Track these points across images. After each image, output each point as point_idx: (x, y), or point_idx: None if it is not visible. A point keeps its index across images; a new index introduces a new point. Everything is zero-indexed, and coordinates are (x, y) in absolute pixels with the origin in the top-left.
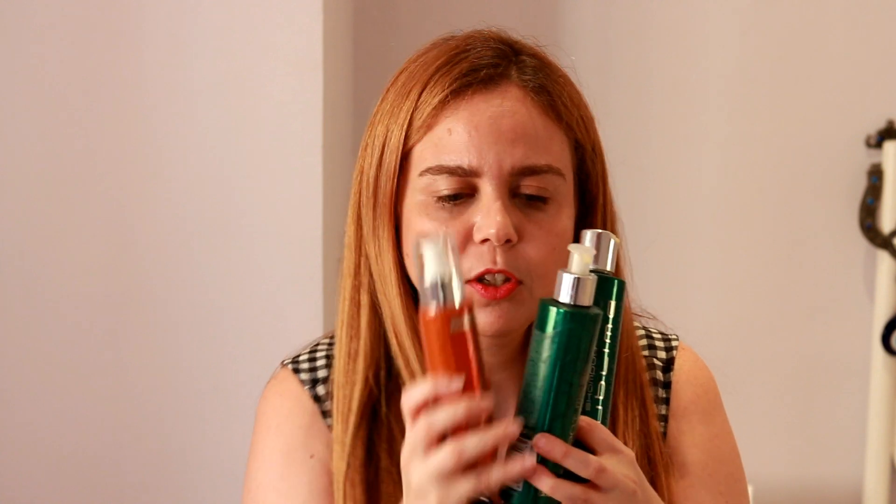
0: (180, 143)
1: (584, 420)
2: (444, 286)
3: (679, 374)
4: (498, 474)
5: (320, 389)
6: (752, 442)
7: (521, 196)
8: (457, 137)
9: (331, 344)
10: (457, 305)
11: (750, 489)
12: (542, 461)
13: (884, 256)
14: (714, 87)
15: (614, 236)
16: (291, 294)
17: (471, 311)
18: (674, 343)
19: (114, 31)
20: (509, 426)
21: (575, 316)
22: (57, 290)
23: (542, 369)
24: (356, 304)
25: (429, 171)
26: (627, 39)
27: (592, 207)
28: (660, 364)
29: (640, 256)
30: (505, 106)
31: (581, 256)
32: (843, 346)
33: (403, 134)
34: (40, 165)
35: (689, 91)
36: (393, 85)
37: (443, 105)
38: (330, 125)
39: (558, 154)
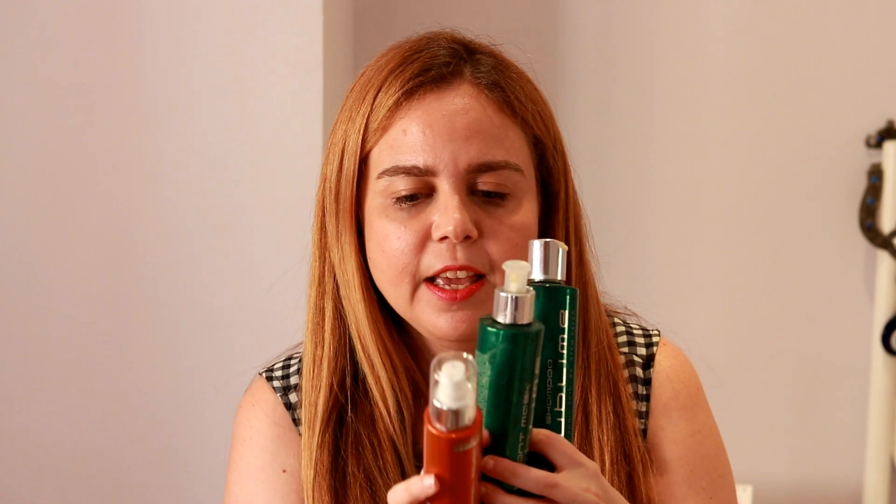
0: (180, 143)
1: (543, 434)
2: (459, 414)
3: (659, 369)
4: None
5: (293, 397)
6: (752, 442)
7: (479, 193)
8: (411, 137)
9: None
10: (468, 426)
11: (750, 489)
12: (497, 481)
13: (884, 256)
14: (714, 87)
15: (562, 244)
16: (291, 294)
17: (478, 430)
18: (654, 339)
19: (114, 31)
20: None
21: (511, 336)
22: (57, 289)
23: (485, 390)
24: (320, 311)
25: (386, 172)
26: (627, 39)
27: (555, 203)
28: (639, 360)
29: (639, 256)
30: (458, 103)
31: (516, 273)
32: (843, 346)
33: (360, 137)
34: (40, 165)
35: (688, 91)
36: (351, 91)
37: (397, 106)
38: (330, 125)
39: (515, 150)
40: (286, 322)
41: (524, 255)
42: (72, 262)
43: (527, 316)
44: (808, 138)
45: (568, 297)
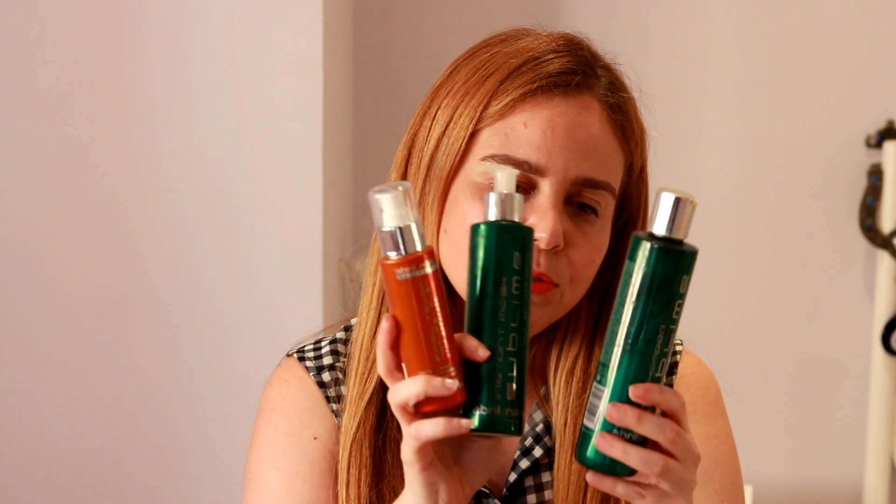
0: (180, 143)
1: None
2: (404, 233)
3: (681, 376)
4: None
5: (325, 376)
6: (752, 442)
7: (574, 204)
8: (531, 133)
9: (333, 340)
10: (419, 250)
11: (750, 489)
12: (607, 420)
13: (884, 256)
14: (714, 87)
15: (693, 199)
16: (291, 294)
17: (431, 256)
18: (678, 348)
19: (114, 31)
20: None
21: (495, 229)
22: (57, 289)
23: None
24: None
25: (494, 157)
26: (627, 39)
27: (626, 228)
28: None
29: None
30: (584, 116)
31: (505, 175)
32: (843, 346)
33: (477, 115)
34: (40, 165)
35: (688, 91)
36: (467, 63)
37: (524, 98)
38: (330, 125)
39: (615, 174)
40: (286, 322)
41: (596, 270)
42: (71, 261)
43: (510, 214)
44: (808, 138)
45: (692, 262)
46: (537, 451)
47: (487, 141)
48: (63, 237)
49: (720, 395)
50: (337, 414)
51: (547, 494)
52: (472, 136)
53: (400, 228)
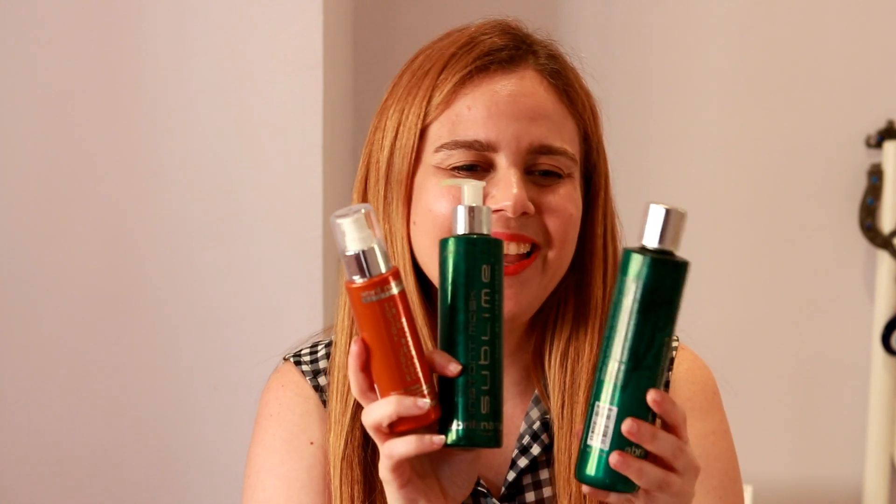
0: (180, 143)
1: (670, 399)
2: (367, 256)
3: (678, 372)
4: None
5: (321, 380)
6: (752, 442)
7: (536, 173)
8: (475, 113)
9: (329, 344)
10: (383, 272)
11: (750, 489)
12: (619, 439)
13: (884, 256)
14: (714, 86)
15: (683, 210)
16: (291, 294)
17: (397, 277)
18: (675, 345)
19: (114, 31)
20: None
21: (463, 242)
22: (57, 289)
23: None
24: None
25: (445, 146)
26: (627, 39)
27: (594, 201)
28: None
29: None
30: (524, 86)
31: (471, 189)
32: (843, 345)
33: (422, 112)
34: (40, 165)
35: (688, 91)
36: (407, 69)
37: (463, 82)
38: (330, 125)
39: (571, 140)
40: (286, 322)
41: (575, 234)
42: (71, 261)
43: (479, 227)
44: (808, 138)
45: (687, 272)
46: (535, 449)
47: (437, 133)
48: (63, 237)
49: (717, 392)
50: None
51: (545, 492)
52: (423, 132)
53: (363, 251)
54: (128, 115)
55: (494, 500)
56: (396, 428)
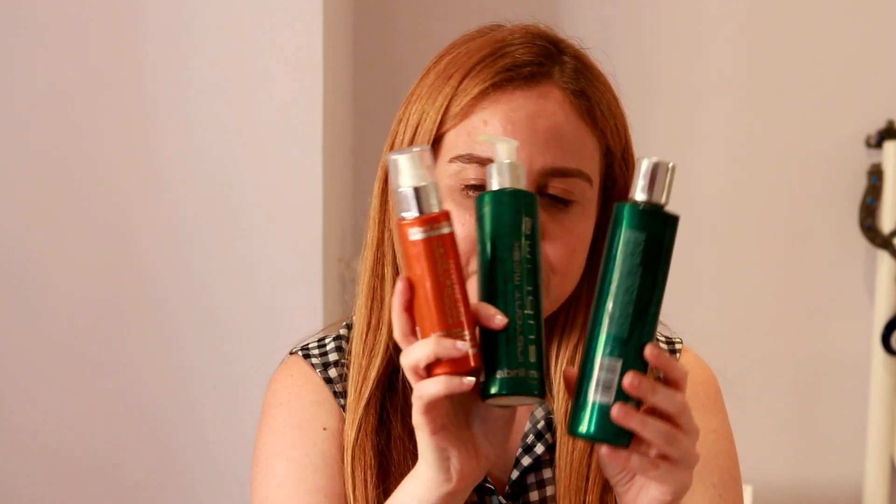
0: (180, 143)
1: (654, 347)
2: (420, 193)
3: None
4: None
5: (332, 372)
6: (752, 442)
7: (546, 196)
8: (491, 130)
9: (337, 337)
10: (435, 211)
11: (750, 489)
12: (621, 392)
13: (884, 256)
14: (714, 87)
15: (671, 163)
16: (291, 294)
17: (448, 218)
18: (677, 346)
19: (114, 30)
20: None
21: (495, 196)
22: (57, 290)
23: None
24: (378, 276)
25: (459, 158)
26: (627, 39)
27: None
28: None
29: None
30: (543, 106)
31: (505, 146)
32: (843, 346)
33: (439, 118)
34: (40, 165)
35: (688, 91)
36: (434, 66)
37: (482, 96)
38: (330, 125)
39: (588, 159)
40: (286, 322)
41: (582, 258)
42: (71, 261)
43: (516, 182)
44: (808, 138)
45: (677, 225)
46: (539, 448)
47: (453, 142)
48: (63, 237)
49: (719, 392)
50: (345, 409)
51: (549, 490)
52: (439, 138)
53: (416, 189)
54: (128, 115)
55: (500, 497)
56: (434, 371)
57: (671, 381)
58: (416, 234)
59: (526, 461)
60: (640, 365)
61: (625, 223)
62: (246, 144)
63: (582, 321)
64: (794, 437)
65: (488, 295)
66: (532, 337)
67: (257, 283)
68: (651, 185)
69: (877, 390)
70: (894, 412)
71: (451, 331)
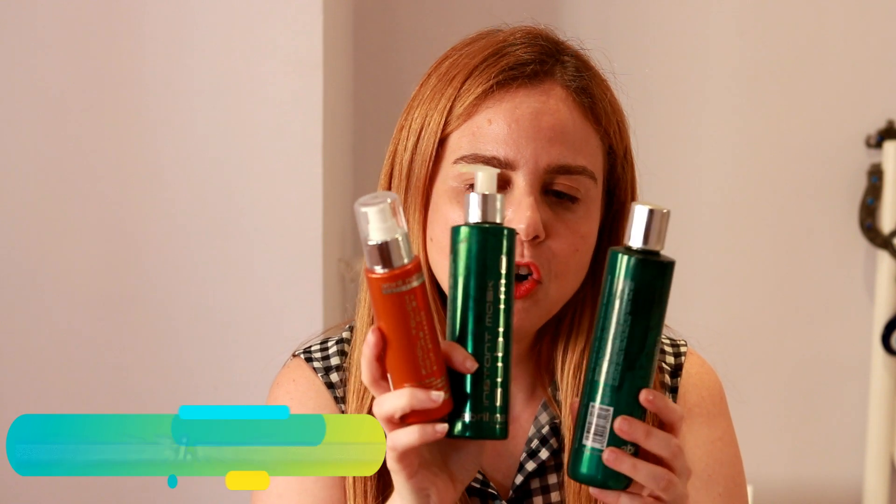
0: (180, 143)
1: (662, 397)
2: (391, 247)
3: (686, 378)
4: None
5: (333, 377)
6: (752, 442)
7: (552, 193)
8: (496, 128)
9: (340, 340)
10: (405, 264)
11: (750, 489)
12: (613, 437)
13: (884, 256)
14: (713, 87)
15: (666, 209)
16: (291, 294)
17: (418, 269)
18: (682, 349)
19: (114, 31)
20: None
21: (477, 232)
22: (57, 290)
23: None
24: None
25: (464, 158)
26: (627, 39)
27: (620, 213)
28: (668, 368)
29: None
30: (547, 103)
31: (486, 174)
32: (843, 346)
33: (443, 120)
34: (40, 165)
35: (688, 91)
36: (435, 70)
37: (485, 95)
38: (330, 125)
39: (592, 157)
40: (286, 322)
41: (584, 260)
42: (71, 261)
43: (494, 215)
44: (808, 138)
45: (673, 271)
46: (543, 454)
47: (457, 143)
48: (63, 237)
49: (724, 397)
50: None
51: (553, 496)
52: (443, 140)
53: (386, 242)
54: (128, 115)
55: (503, 502)
56: (408, 419)
57: (667, 425)
58: (387, 289)
59: (530, 466)
60: (637, 409)
61: (617, 271)
62: (246, 144)
63: (588, 325)
64: (794, 437)
65: (459, 333)
66: (499, 380)
67: (257, 284)
68: (646, 232)
69: (877, 390)
70: (894, 412)
71: (424, 381)
